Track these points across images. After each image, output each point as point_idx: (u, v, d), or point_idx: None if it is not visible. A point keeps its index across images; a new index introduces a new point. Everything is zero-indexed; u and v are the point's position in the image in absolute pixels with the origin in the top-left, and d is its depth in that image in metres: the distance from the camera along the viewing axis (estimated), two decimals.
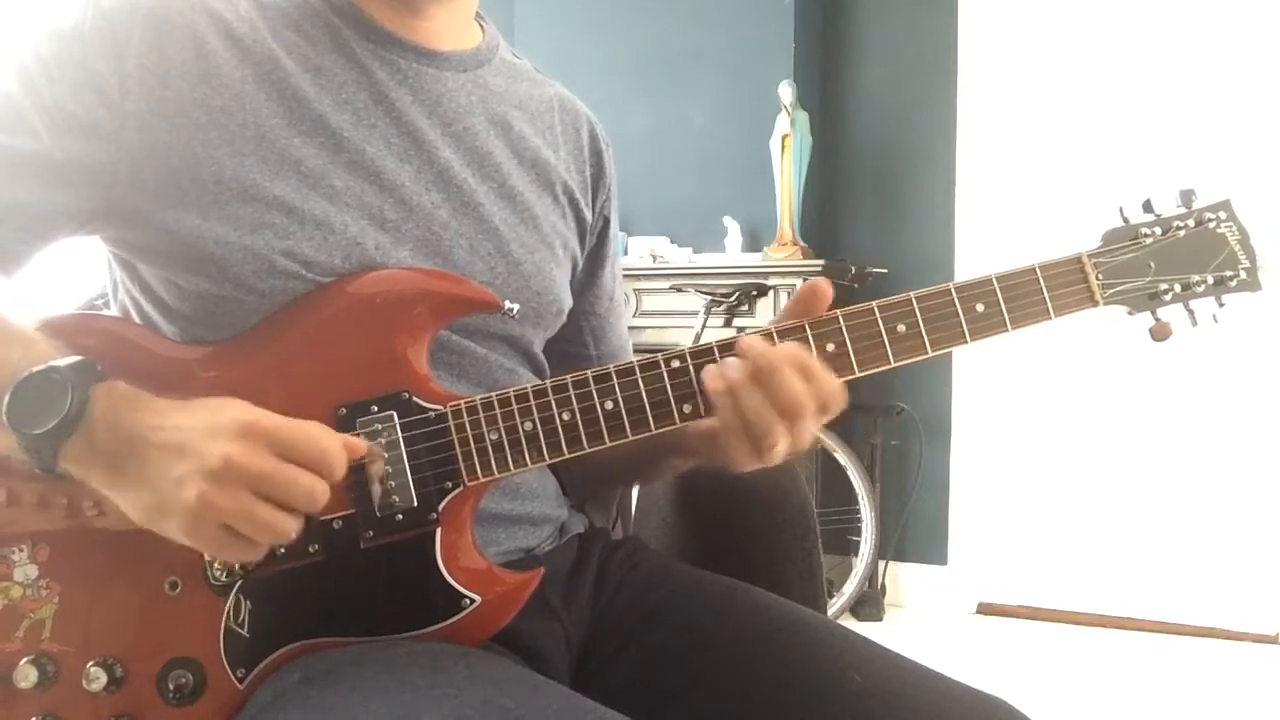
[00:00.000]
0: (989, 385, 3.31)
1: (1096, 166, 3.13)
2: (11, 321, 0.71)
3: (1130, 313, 0.83)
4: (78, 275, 0.94)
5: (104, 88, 0.74)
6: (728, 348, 0.76)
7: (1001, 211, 3.27)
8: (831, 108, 3.53)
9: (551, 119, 0.96)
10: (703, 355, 0.77)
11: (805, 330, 0.78)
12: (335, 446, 0.68)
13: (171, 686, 0.71)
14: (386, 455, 0.74)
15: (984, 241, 3.26)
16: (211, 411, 0.67)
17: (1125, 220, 0.83)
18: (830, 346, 0.78)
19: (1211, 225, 0.83)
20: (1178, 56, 3.09)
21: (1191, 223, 0.83)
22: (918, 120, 3.41)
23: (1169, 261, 0.82)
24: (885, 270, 3.27)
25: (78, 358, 0.67)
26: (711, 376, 0.74)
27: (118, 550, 0.72)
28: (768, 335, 0.77)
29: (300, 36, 0.82)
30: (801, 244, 3.25)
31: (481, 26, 0.93)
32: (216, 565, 0.72)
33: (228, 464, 0.64)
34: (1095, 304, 0.81)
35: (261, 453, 0.65)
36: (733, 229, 3.36)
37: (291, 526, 0.66)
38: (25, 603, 0.72)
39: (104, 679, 0.71)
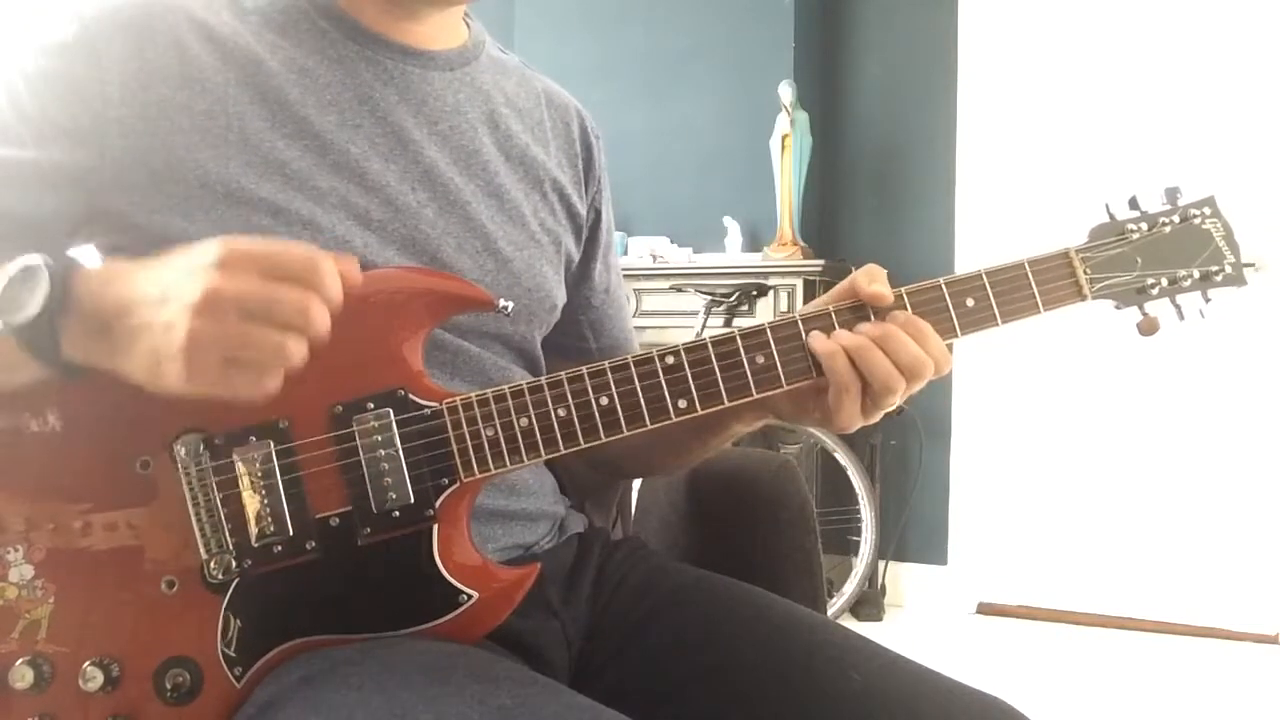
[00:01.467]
0: (989, 385, 3.31)
1: (1097, 166, 3.13)
2: None
3: (1118, 307, 0.84)
4: None
5: (86, 94, 0.74)
6: (789, 327, 0.79)
7: (1001, 211, 3.27)
8: (831, 108, 3.53)
9: (540, 114, 0.95)
10: (696, 351, 0.77)
11: (798, 325, 0.78)
12: (323, 258, 0.65)
13: (169, 686, 0.71)
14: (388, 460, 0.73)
15: (984, 241, 3.26)
16: (189, 253, 0.65)
17: (1111, 216, 0.84)
18: None
19: (1196, 221, 0.84)
20: (1177, 56, 3.09)
21: (1177, 219, 0.84)
22: (918, 120, 3.41)
23: (1155, 257, 0.83)
24: (885, 270, 3.27)
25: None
26: (827, 340, 0.78)
27: (114, 550, 0.72)
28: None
29: (284, 38, 0.82)
30: (801, 244, 3.25)
31: (467, 24, 0.93)
32: (213, 564, 0.72)
33: (211, 294, 0.62)
34: (1083, 298, 0.82)
35: (245, 276, 0.62)
36: (733, 229, 3.36)
37: (294, 345, 0.64)
38: (21, 603, 0.71)
39: (100, 679, 0.70)
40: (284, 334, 0.63)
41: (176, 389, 0.64)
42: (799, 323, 0.79)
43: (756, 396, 0.78)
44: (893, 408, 0.79)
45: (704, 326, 3.15)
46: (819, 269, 3.16)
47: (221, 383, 0.64)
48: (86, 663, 0.71)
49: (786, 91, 3.24)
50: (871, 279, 0.80)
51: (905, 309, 0.79)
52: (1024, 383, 3.27)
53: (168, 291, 0.64)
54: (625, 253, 3.41)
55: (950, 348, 0.80)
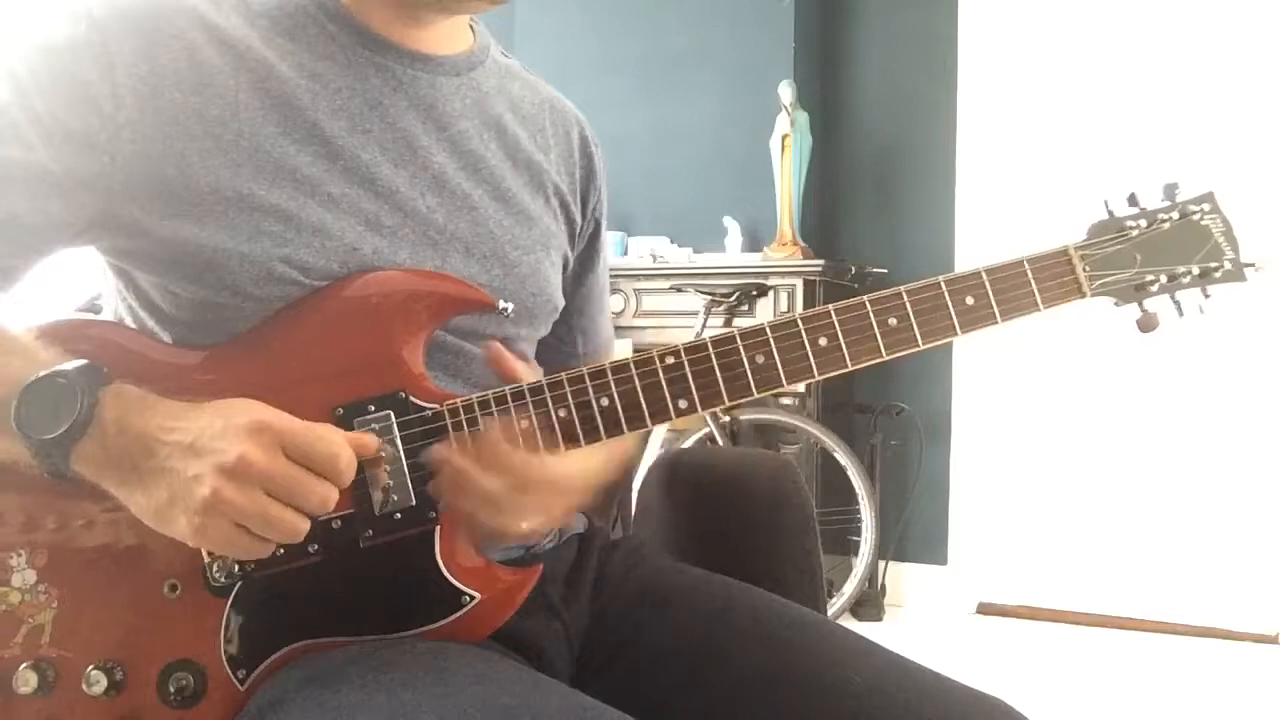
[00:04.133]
0: (989, 385, 3.31)
1: (1097, 166, 3.13)
2: (9, 331, 0.72)
3: (1117, 304, 0.84)
4: (73, 280, 0.94)
5: (96, 98, 0.73)
6: (725, 341, 0.78)
7: (1001, 212, 3.27)
8: (831, 108, 3.53)
9: (543, 121, 0.96)
10: (698, 351, 0.77)
11: (798, 325, 0.78)
12: (347, 453, 0.68)
13: (172, 689, 0.71)
14: (389, 462, 0.74)
15: (984, 241, 3.26)
16: (224, 412, 0.67)
17: (1110, 213, 0.85)
18: (822, 340, 0.79)
19: (1196, 217, 0.84)
20: (1177, 55, 3.09)
21: (1176, 215, 0.84)
22: (918, 120, 3.41)
23: (1155, 253, 0.83)
24: (885, 270, 3.28)
25: (83, 361, 0.68)
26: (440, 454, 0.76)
27: (116, 554, 0.72)
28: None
29: (294, 43, 0.81)
30: (801, 244, 3.25)
31: (472, 28, 0.93)
32: (215, 567, 0.72)
33: (243, 462, 0.64)
34: (1083, 295, 0.82)
35: (276, 454, 0.66)
36: (733, 229, 3.36)
37: (303, 527, 0.67)
38: (24, 608, 0.71)
39: (104, 683, 0.71)
40: (295, 516, 0.66)
41: (179, 537, 0.67)
42: (799, 323, 0.79)
43: (758, 395, 0.78)
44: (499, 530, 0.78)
45: (704, 326, 3.14)
46: (819, 269, 3.16)
47: (225, 545, 0.67)
48: (90, 667, 0.71)
49: (786, 91, 3.24)
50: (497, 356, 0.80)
51: (905, 307, 0.79)
52: (1024, 383, 3.27)
53: (199, 445, 0.65)
54: (625, 253, 3.40)
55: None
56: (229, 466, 0.64)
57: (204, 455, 0.65)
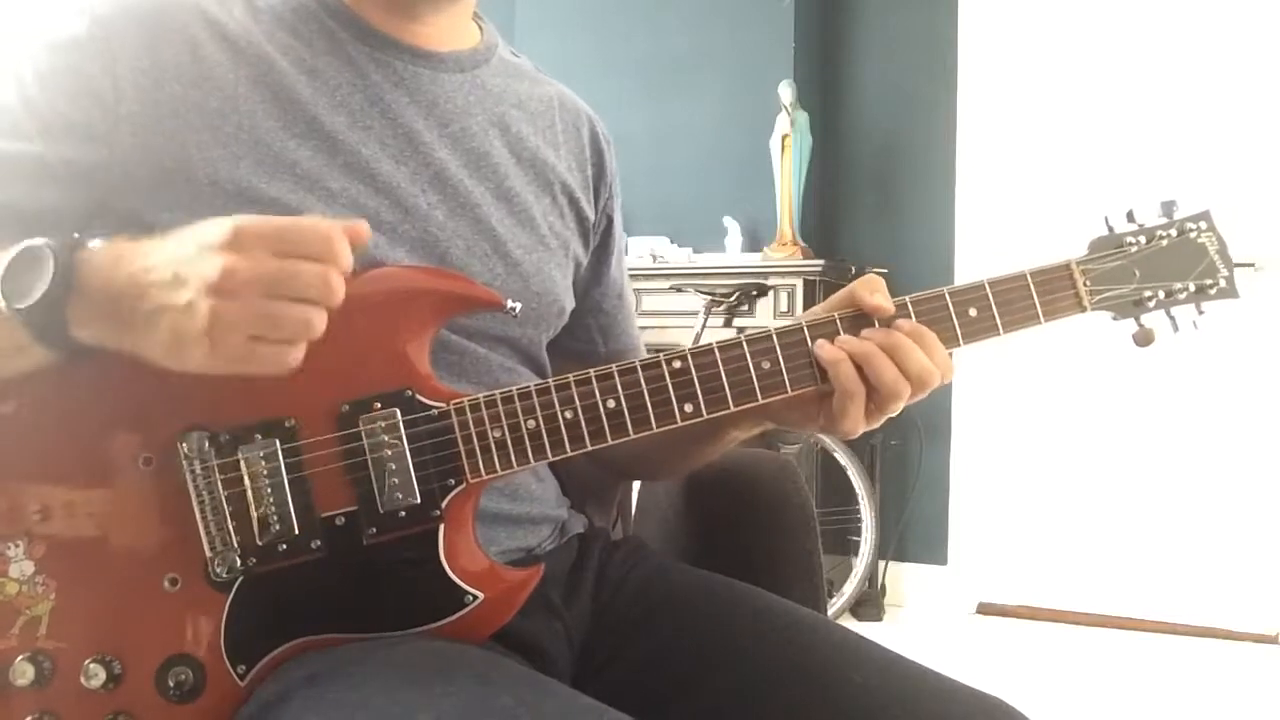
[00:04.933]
0: (989, 385, 3.31)
1: (1097, 166, 3.13)
2: None
3: (1115, 318, 0.86)
4: None
5: (98, 91, 0.74)
6: (792, 332, 0.79)
7: (1001, 211, 3.27)
8: (831, 108, 3.53)
9: (552, 118, 0.95)
10: (703, 355, 0.78)
11: (803, 331, 0.79)
12: (334, 229, 0.65)
13: (171, 684, 0.71)
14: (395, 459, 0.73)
15: (984, 241, 3.26)
16: (196, 233, 0.64)
17: (1110, 229, 0.86)
18: None
19: (1193, 235, 0.86)
20: (1177, 55, 3.09)
21: (1174, 232, 0.86)
22: (918, 120, 3.41)
23: (1153, 269, 0.85)
24: (885, 270, 3.27)
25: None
26: (832, 347, 0.78)
27: (116, 546, 0.72)
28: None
29: (295, 39, 0.82)
30: (801, 244, 3.26)
31: (480, 26, 0.93)
32: (218, 562, 0.72)
33: (228, 274, 0.62)
34: (1083, 309, 0.84)
35: (260, 254, 0.63)
36: (733, 229, 3.36)
37: (317, 318, 0.64)
38: (21, 599, 0.71)
39: (102, 676, 0.70)
40: (305, 307, 0.63)
41: (200, 368, 0.64)
42: (804, 329, 0.79)
43: (762, 401, 0.78)
44: (896, 413, 0.79)
45: (704, 327, 3.14)
46: (819, 269, 3.16)
47: (247, 360, 0.64)
48: (88, 660, 0.70)
49: (786, 91, 3.24)
50: (872, 290, 0.79)
51: (910, 317, 0.80)
52: (1024, 383, 3.27)
53: (182, 272, 0.63)
54: (626, 253, 3.40)
55: (950, 355, 0.80)
56: (217, 284, 0.61)
57: (188, 281, 0.62)
